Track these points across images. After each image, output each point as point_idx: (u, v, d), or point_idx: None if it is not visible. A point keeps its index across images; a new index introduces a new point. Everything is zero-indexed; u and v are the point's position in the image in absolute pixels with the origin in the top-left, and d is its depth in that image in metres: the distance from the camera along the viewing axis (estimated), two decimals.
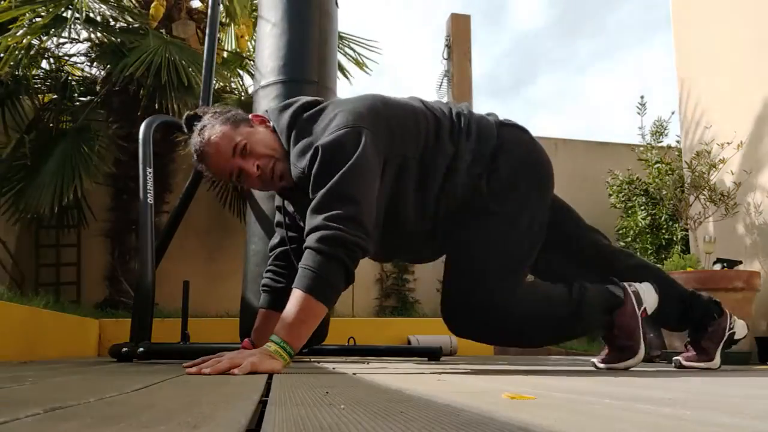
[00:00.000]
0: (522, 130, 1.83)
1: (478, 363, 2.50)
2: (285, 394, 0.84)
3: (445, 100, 5.74)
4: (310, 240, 1.42)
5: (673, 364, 1.98)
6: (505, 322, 1.72)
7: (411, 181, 1.65)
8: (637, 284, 1.84)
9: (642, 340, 1.82)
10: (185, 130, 1.74)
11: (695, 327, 1.95)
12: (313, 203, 1.46)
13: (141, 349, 2.21)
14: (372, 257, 1.78)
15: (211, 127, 1.64)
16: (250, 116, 1.72)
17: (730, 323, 1.95)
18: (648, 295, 1.83)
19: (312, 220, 1.44)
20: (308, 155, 1.52)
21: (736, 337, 1.97)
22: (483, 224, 1.72)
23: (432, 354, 2.77)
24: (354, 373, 1.45)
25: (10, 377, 1.24)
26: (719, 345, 1.94)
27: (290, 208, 1.81)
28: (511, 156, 1.74)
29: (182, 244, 4.94)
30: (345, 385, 1.07)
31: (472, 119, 1.75)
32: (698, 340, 1.94)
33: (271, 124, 1.70)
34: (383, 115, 1.61)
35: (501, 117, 1.83)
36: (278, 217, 1.88)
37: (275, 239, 1.90)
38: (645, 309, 1.83)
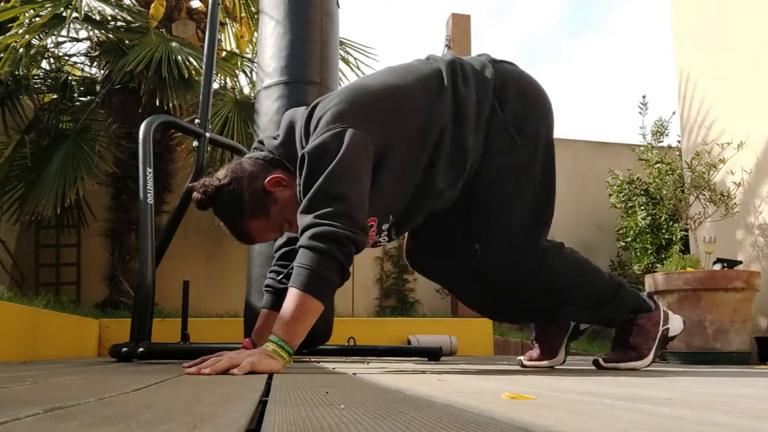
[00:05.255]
0: (514, 65, 1.85)
1: (478, 363, 2.50)
2: (285, 394, 0.84)
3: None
4: (303, 238, 1.43)
5: None
6: (536, 267, 1.78)
7: (420, 156, 1.65)
8: (669, 311, 1.95)
9: (653, 351, 1.86)
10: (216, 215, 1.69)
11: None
12: (303, 204, 1.47)
13: (141, 349, 2.21)
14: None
15: (240, 222, 1.62)
16: (264, 184, 1.60)
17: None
18: (676, 322, 1.92)
19: (303, 220, 1.45)
20: (298, 165, 1.55)
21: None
22: (505, 156, 1.74)
23: (432, 354, 2.77)
24: (354, 373, 1.45)
25: (10, 377, 1.23)
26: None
27: None
28: (511, 88, 1.76)
29: (182, 244, 4.95)
30: (345, 385, 1.07)
31: (463, 63, 1.76)
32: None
33: (283, 176, 1.62)
34: (365, 106, 1.60)
35: (492, 55, 1.84)
36: None
37: (281, 239, 1.90)
38: (668, 329, 1.89)
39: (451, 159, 1.69)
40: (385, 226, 1.67)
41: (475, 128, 1.71)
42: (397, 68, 1.76)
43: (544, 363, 1.98)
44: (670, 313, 1.95)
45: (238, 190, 1.60)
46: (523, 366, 1.98)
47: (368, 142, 1.54)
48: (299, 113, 1.69)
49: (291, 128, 1.67)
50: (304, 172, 1.50)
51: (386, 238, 1.72)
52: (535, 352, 2.01)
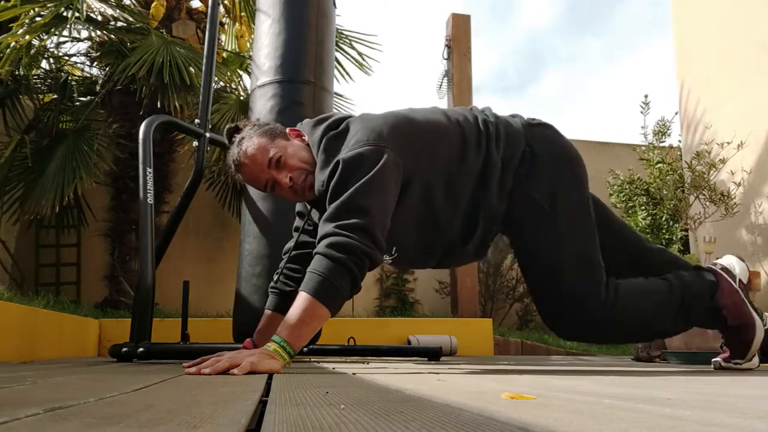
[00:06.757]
0: (548, 128, 1.83)
1: (478, 363, 2.50)
2: (285, 394, 0.84)
3: (445, 100, 5.73)
4: (321, 246, 1.45)
5: (712, 366, 1.88)
6: (603, 319, 1.72)
7: (440, 196, 1.67)
8: (720, 260, 1.84)
9: (753, 311, 1.77)
10: (226, 142, 1.79)
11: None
12: (326, 213, 1.50)
13: (141, 349, 2.21)
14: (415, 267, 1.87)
15: (249, 139, 1.71)
16: (287, 130, 1.77)
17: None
18: (736, 265, 1.82)
19: (323, 228, 1.47)
20: (329, 169, 1.56)
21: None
22: (538, 226, 1.74)
23: (432, 354, 2.77)
24: (354, 373, 1.45)
25: (10, 377, 1.24)
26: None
27: (315, 217, 1.83)
28: (543, 155, 1.75)
29: (182, 244, 4.95)
30: (345, 385, 1.07)
31: (499, 124, 1.76)
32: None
33: (306, 138, 1.73)
34: (405, 134, 1.63)
35: (526, 117, 1.83)
36: (297, 221, 1.93)
37: (291, 242, 1.93)
38: (740, 279, 1.79)
39: (468, 213, 1.71)
40: (386, 257, 1.70)
41: (497, 193, 1.71)
42: (445, 110, 1.78)
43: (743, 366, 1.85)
44: (729, 263, 1.85)
45: (265, 122, 1.82)
46: (720, 367, 1.87)
47: (401, 168, 1.57)
48: (340, 115, 1.75)
49: (323, 119, 1.74)
50: (335, 178, 1.52)
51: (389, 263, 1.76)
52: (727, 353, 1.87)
